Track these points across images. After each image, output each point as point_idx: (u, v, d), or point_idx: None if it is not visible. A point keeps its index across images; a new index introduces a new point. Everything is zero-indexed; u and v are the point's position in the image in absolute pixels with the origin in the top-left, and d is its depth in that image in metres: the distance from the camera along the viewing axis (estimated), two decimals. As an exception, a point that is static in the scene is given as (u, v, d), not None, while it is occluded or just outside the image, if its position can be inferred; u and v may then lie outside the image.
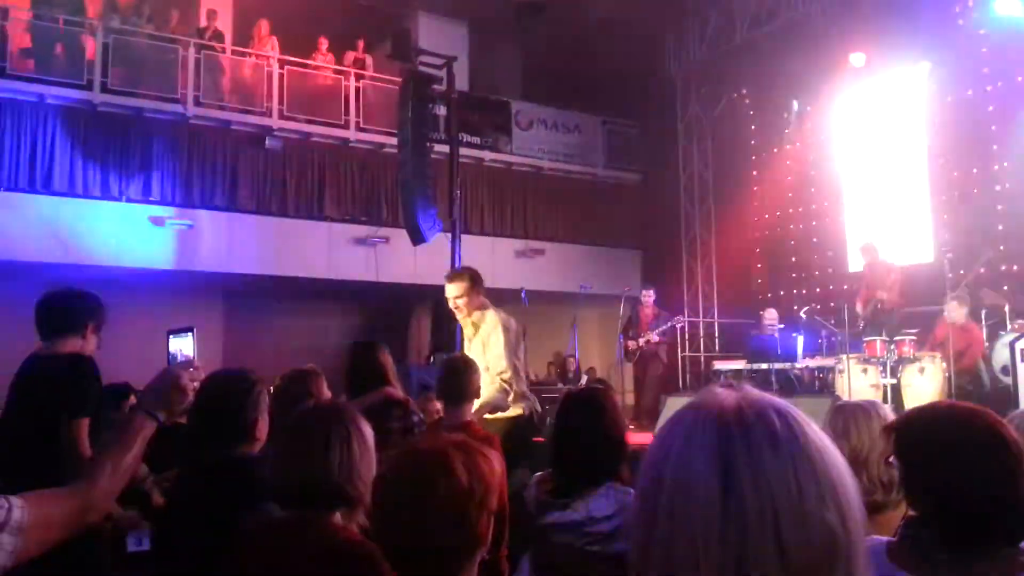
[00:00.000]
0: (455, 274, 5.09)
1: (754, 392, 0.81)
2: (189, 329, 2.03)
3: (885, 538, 1.75)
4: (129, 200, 10.40)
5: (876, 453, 2.26)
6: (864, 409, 2.36)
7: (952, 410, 1.67)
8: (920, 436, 1.63)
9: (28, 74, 10.01)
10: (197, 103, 10.90)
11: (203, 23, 11.85)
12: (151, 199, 10.54)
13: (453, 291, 4.97)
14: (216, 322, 12.51)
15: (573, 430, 2.64)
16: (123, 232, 10.24)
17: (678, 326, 10.54)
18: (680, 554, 0.75)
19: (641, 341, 9.62)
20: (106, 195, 10.27)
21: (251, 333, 12.41)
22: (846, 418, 2.36)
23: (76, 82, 10.21)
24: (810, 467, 0.76)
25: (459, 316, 5.00)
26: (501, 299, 12.89)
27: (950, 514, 1.52)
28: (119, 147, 10.38)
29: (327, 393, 3.45)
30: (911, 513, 1.93)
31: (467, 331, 5.08)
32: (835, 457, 0.79)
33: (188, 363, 1.88)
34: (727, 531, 0.74)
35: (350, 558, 1.75)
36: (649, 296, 9.93)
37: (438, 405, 4.87)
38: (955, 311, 7.47)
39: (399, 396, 3.82)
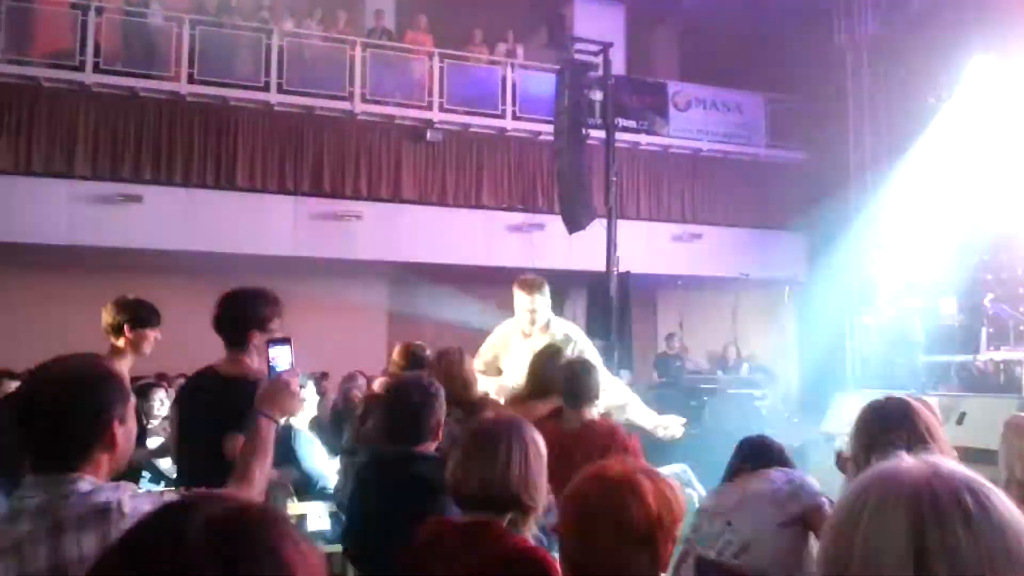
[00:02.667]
0: (537, 283, 4.52)
1: (945, 467, 0.83)
2: (287, 340, 2.19)
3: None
4: (303, 194, 11.06)
5: None
6: None
7: None
8: None
9: (213, 78, 10.79)
10: (364, 100, 11.40)
11: (371, 22, 12.36)
12: (321, 192, 11.15)
13: (541, 303, 4.45)
14: (380, 306, 13.10)
15: None
16: (298, 224, 10.92)
17: None
18: None
19: None
20: (282, 189, 10.97)
21: (413, 316, 12.89)
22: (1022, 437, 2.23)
23: (254, 84, 10.95)
24: (1002, 543, 0.79)
25: (529, 328, 4.49)
26: (657, 284, 12.81)
27: None
28: (293, 144, 11.04)
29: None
30: None
31: (517, 338, 4.53)
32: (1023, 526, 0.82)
33: (294, 370, 2.11)
34: None
35: (528, 565, 1.83)
36: None
37: None
38: None
39: None
